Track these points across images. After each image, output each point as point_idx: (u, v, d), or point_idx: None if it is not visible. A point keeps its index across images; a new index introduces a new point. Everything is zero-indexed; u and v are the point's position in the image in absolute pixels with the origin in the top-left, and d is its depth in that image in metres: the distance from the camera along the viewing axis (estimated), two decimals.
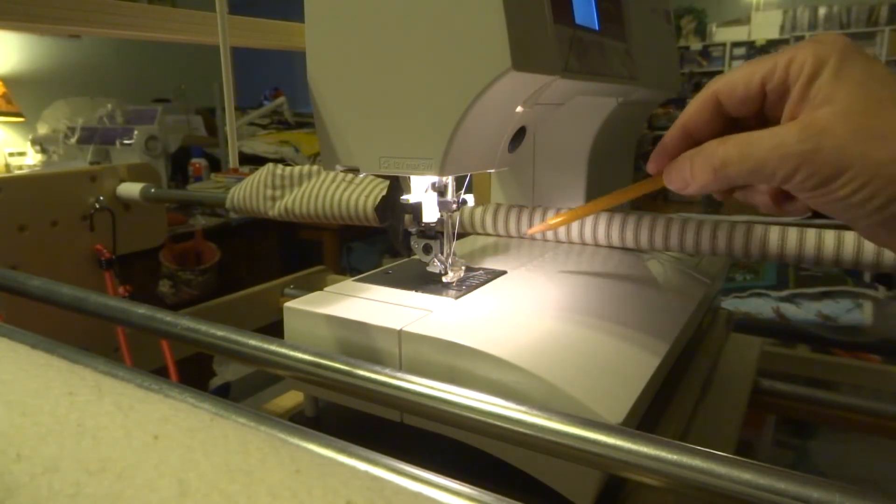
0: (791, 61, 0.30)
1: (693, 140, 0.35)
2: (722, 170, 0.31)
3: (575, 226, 0.55)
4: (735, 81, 0.32)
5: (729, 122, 0.34)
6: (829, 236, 0.46)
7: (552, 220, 0.45)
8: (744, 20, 5.45)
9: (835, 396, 0.56)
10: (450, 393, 0.27)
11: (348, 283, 0.45)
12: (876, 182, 0.27)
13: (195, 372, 1.11)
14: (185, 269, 1.51)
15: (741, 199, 0.36)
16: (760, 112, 0.32)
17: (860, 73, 0.28)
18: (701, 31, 5.62)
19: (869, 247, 0.45)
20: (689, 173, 0.33)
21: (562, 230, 0.56)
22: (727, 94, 0.33)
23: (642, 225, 0.51)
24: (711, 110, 0.34)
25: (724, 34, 5.53)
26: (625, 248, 0.54)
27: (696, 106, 0.34)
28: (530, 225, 0.57)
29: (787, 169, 0.28)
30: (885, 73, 0.28)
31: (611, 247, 0.55)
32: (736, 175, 0.31)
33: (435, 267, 0.44)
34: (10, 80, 2.59)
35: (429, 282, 0.44)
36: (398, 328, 0.36)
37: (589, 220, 0.55)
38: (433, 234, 0.44)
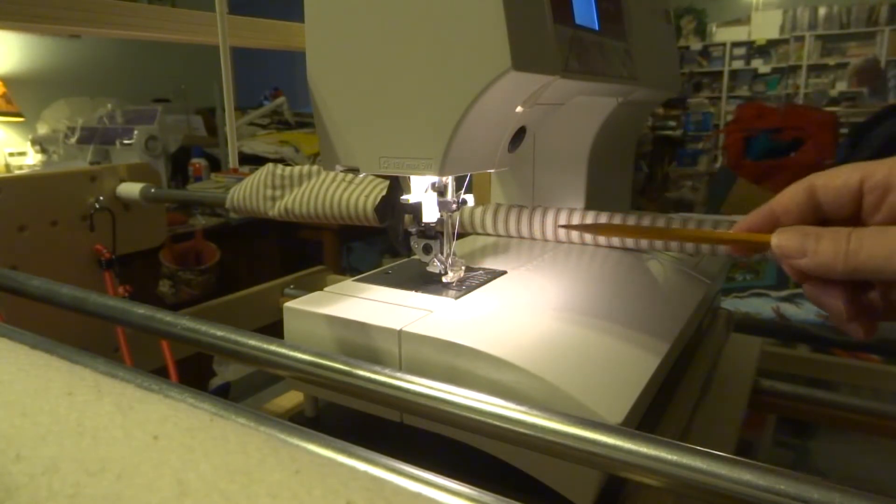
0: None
1: (780, 222, 0.33)
2: (853, 255, 0.29)
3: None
4: (834, 175, 0.31)
5: (819, 219, 0.32)
6: None
7: (597, 224, 0.41)
8: (744, 20, 5.45)
9: (835, 396, 0.56)
10: (450, 393, 0.27)
11: (348, 283, 0.45)
12: None
13: (195, 372, 1.11)
14: (185, 269, 1.51)
15: (812, 297, 0.33)
16: (856, 214, 0.31)
17: None
18: (701, 31, 5.62)
19: None
20: (813, 246, 0.30)
21: (562, 230, 0.56)
22: (824, 186, 0.31)
23: (642, 225, 0.51)
24: (804, 201, 0.32)
25: (724, 34, 5.53)
26: (625, 249, 0.54)
27: (789, 193, 0.33)
28: (530, 225, 0.57)
29: None
30: None
31: (611, 247, 0.55)
32: (866, 262, 0.28)
33: (435, 267, 0.44)
34: (10, 80, 2.59)
35: (429, 282, 0.44)
36: (398, 328, 0.36)
37: (589, 220, 0.55)
38: (433, 234, 0.44)
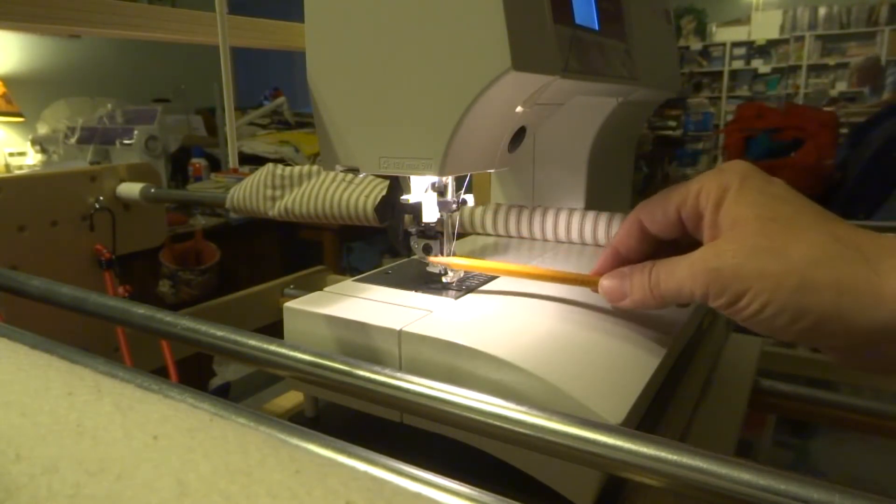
0: (700, 190, 0.32)
1: (627, 261, 0.36)
2: (656, 289, 0.33)
3: (575, 226, 0.55)
4: (653, 208, 0.34)
5: (660, 244, 0.36)
6: None
7: (467, 263, 0.42)
8: (744, 20, 5.45)
9: (835, 396, 0.56)
10: (450, 393, 0.27)
11: (348, 283, 0.45)
12: (777, 298, 0.27)
13: (195, 372, 1.11)
14: (185, 269, 1.52)
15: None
16: (686, 235, 0.34)
17: (756, 195, 0.30)
18: (701, 31, 5.62)
19: None
20: (629, 287, 0.34)
21: (562, 230, 0.56)
22: (648, 220, 0.35)
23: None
24: (638, 234, 0.35)
25: (724, 34, 5.53)
26: None
27: (624, 229, 0.36)
28: (530, 225, 0.57)
29: (700, 289, 0.30)
30: (781, 192, 0.30)
31: None
32: (665, 294, 0.32)
33: (435, 267, 0.44)
34: (10, 80, 2.59)
35: (429, 282, 0.44)
36: (398, 328, 0.36)
37: (589, 220, 0.55)
38: (433, 234, 0.44)
